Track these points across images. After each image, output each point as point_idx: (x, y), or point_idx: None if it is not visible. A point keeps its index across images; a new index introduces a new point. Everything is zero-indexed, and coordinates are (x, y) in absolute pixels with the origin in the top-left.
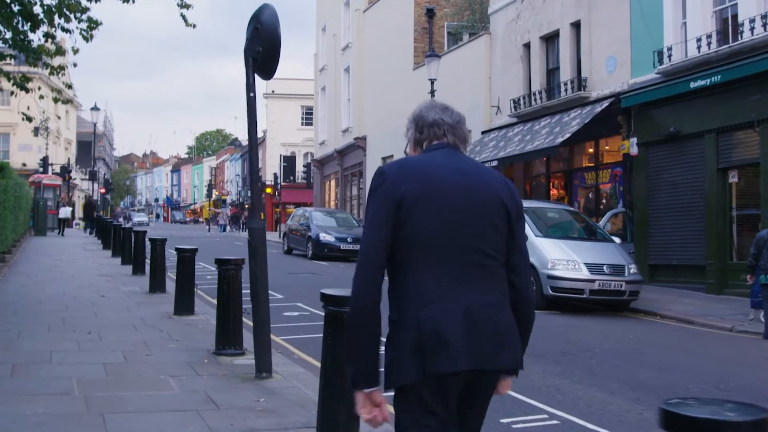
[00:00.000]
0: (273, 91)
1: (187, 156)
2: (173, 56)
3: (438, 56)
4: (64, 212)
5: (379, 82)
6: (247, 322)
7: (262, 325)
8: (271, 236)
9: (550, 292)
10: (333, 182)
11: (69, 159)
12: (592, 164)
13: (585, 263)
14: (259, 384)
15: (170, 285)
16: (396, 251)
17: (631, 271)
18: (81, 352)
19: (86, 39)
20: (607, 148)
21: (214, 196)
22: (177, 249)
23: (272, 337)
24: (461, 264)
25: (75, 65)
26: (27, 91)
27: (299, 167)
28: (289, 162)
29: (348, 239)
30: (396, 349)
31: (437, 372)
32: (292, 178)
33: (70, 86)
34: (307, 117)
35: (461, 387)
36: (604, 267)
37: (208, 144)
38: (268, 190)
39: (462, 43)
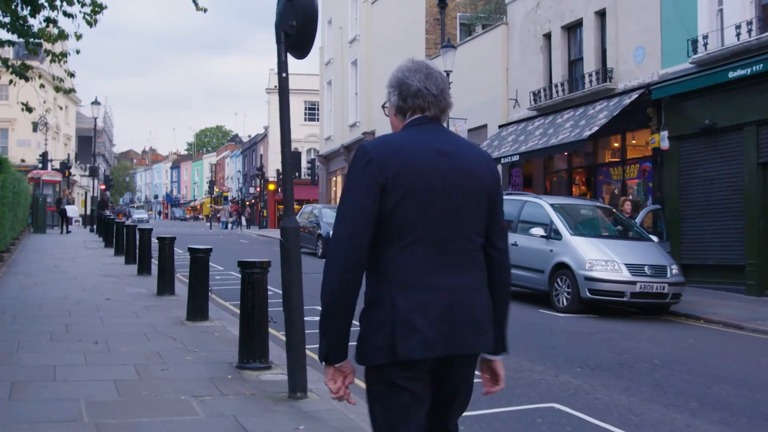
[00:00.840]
0: (275, 87)
1: (186, 152)
2: (170, 53)
3: (453, 47)
4: (72, 210)
5: (389, 75)
6: (271, 331)
7: (296, 338)
8: (274, 233)
9: (588, 294)
10: (339, 178)
11: (69, 155)
12: (618, 159)
13: (625, 264)
14: (294, 406)
15: (179, 287)
16: (377, 231)
17: (673, 272)
18: (88, 366)
19: (90, 24)
20: (633, 142)
21: (215, 192)
22: (190, 249)
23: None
24: (440, 248)
25: (78, 52)
26: (27, 79)
27: (303, 163)
28: (293, 158)
29: None
30: (369, 327)
31: (407, 358)
32: (297, 174)
33: (72, 75)
34: (310, 113)
35: (437, 367)
36: (646, 268)
37: (208, 140)
38: (271, 187)
39: (477, 34)
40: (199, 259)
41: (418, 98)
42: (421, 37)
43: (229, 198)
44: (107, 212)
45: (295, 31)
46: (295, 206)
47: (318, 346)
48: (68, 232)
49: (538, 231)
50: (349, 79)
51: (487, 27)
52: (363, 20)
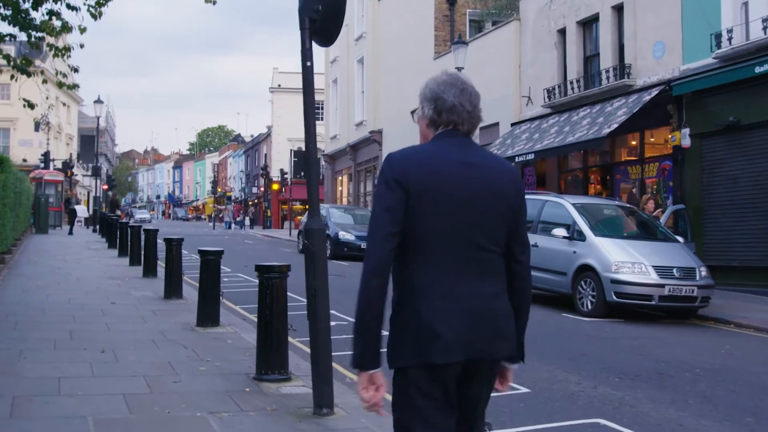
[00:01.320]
0: (279, 85)
1: (188, 152)
2: (171, 53)
3: (465, 43)
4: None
5: (396, 73)
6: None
7: (322, 349)
8: (279, 233)
9: (614, 298)
10: (345, 178)
11: (71, 154)
12: (635, 158)
13: (653, 266)
14: (321, 424)
15: (186, 289)
16: (402, 239)
17: (702, 274)
18: (95, 378)
19: (95, 16)
20: (652, 140)
21: (218, 192)
22: (201, 251)
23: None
24: (462, 256)
25: (82, 46)
26: (29, 75)
27: None
28: (299, 157)
29: None
30: (397, 331)
31: (431, 362)
32: (302, 173)
33: (76, 70)
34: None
35: (460, 373)
36: (674, 270)
37: (210, 140)
38: (275, 187)
39: (488, 30)
40: (210, 262)
41: (453, 114)
42: (429, 35)
43: (232, 198)
44: (118, 212)
45: (321, 17)
46: (297, 206)
47: (350, 353)
48: (71, 233)
49: (560, 232)
50: (356, 78)
51: (498, 24)
52: (369, 17)
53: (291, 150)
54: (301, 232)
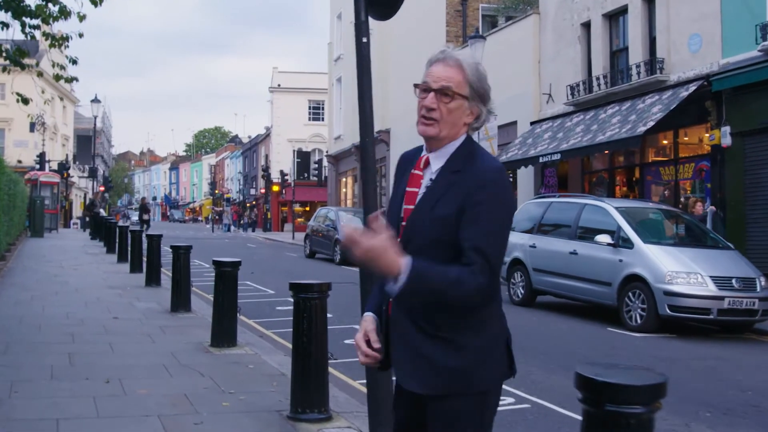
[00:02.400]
0: (279, 85)
1: (185, 154)
2: (167, 54)
3: (483, 37)
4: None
5: (405, 70)
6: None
7: (383, 390)
8: (280, 236)
9: (668, 311)
10: (350, 179)
11: (67, 155)
12: (667, 158)
13: (710, 276)
14: None
15: (195, 301)
16: None
17: (763, 284)
18: (100, 419)
19: (95, 3)
20: (686, 139)
21: (216, 194)
22: (215, 262)
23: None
24: None
25: (81, 35)
26: (23, 67)
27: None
28: (303, 158)
29: None
30: (486, 347)
31: (513, 375)
32: (306, 174)
33: (74, 61)
34: (314, 112)
35: None
36: (733, 281)
37: (207, 141)
38: (275, 188)
39: (506, 25)
40: (226, 274)
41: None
42: (441, 30)
43: (231, 199)
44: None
45: None
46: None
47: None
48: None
49: (604, 238)
50: None
51: (514, 18)
52: None
53: (293, 151)
54: (308, 235)
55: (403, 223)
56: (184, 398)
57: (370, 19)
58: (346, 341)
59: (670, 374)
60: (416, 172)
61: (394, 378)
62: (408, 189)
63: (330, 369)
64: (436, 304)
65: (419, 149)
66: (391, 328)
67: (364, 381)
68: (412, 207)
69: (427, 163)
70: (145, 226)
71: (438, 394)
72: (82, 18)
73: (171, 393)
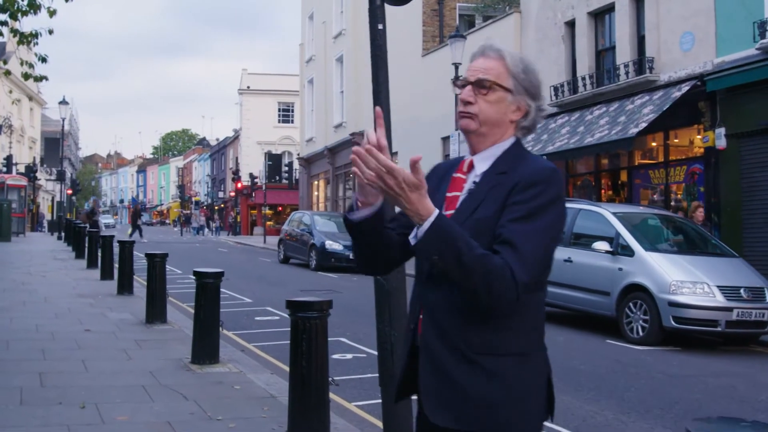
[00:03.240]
0: (248, 87)
1: (152, 156)
2: (130, 56)
3: (464, 37)
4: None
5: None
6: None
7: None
8: (251, 240)
9: (673, 323)
10: (322, 182)
11: (34, 158)
12: (654, 160)
13: (718, 286)
14: None
15: (170, 311)
16: None
17: None
18: None
19: None
20: (676, 141)
21: (186, 197)
22: (196, 273)
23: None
24: None
25: (51, 32)
26: None
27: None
28: (274, 160)
29: None
30: (528, 382)
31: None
32: (278, 177)
33: (44, 59)
34: (284, 114)
35: None
36: (741, 291)
37: (174, 144)
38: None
39: (485, 24)
40: (208, 286)
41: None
42: (417, 30)
43: (199, 203)
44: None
45: None
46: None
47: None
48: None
49: (602, 245)
50: (334, 77)
51: (490, 18)
52: (349, 14)
53: (264, 153)
54: (282, 240)
55: None
56: (168, 427)
57: (342, 20)
58: (334, 356)
59: (688, 394)
60: (459, 175)
61: (414, 411)
62: (449, 194)
63: (337, 398)
64: (463, 299)
65: (459, 160)
66: (420, 351)
67: (362, 403)
68: (450, 212)
69: (471, 167)
70: (137, 232)
71: (471, 430)
72: (52, 13)
73: (153, 420)
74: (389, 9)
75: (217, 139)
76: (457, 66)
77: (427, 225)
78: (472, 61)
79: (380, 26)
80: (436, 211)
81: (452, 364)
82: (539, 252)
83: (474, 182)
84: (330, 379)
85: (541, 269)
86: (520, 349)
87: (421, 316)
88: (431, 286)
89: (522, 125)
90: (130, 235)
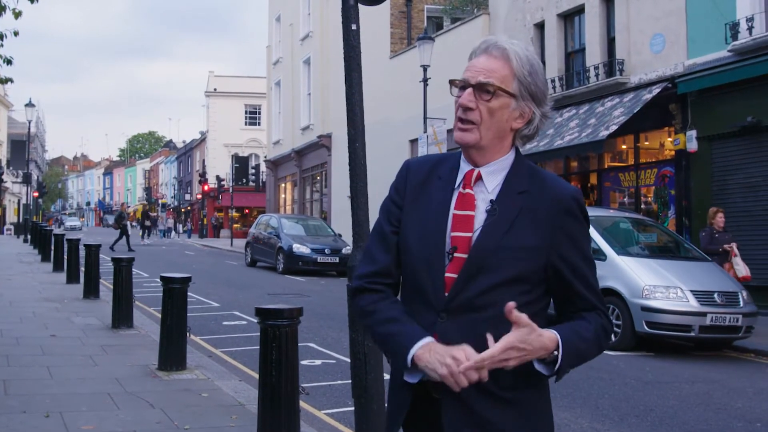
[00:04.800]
0: (215, 89)
1: (119, 159)
2: (96, 58)
3: (432, 39)
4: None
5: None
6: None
7: None
8: (218, 243)
9: (646, 329)
10: (289, 185)
11: (0, 160)
12: (626, 163)
13: (691, 291)
14: None
15: (136, 315)
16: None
17: (745, 299)
18: None
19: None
20: (646, 143)
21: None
22: (163, 278)
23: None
24: None
25: (16, 34)
26: None
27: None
28: (241, 163)
29: (326, 251)
30: (547, 404)
31: None
32: (244, 180)
33: (9, 61)
34: (251, 116)
35: None
36: (715, 295)
37: (141, 146)
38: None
39: (453, 26)
40: (175, 292)
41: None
42: (385, 32)
43: (168, 205)
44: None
45: None
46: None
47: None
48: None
49: None
50: (301, 79)
51: (458, 20)
52: (317, 15)
53: (231, 156)
54: (249, 243)
55: (459, 255)
56: None
57: (309, 22)
58: (303, 361)
59: (664, 402)
60: (467, 191)
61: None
62: (457, 212)
63: (308, 406)
64: None
65: (441, 158)
66: (442, 393)
67: (332, 411)
68: (467, 234)
69: (478, 180)
70: (146, 233)
71: None
72: (17, 15)
73: (119, 430)
74: (358, 7)
75: (184, 142)
76: (425, 68)
77: (560, 356)
78: (473, 59)
79: (354, 27)
80: (558, 338)
81: (480, 401)
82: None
83: (491, 201)
84: (300, 387)
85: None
86: (542, 378)
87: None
88: (454, 318)
89: (523, 133)
90: (142, 236)
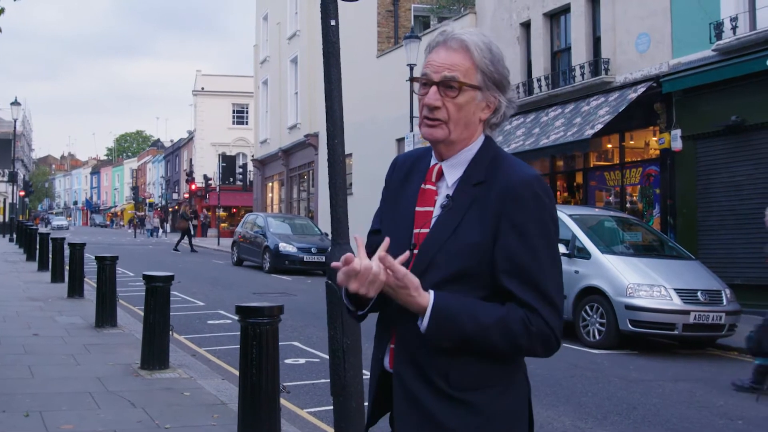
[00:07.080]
0: (202, 88)
1: (107, 158)
2: (80, 57)
3: (418, 38)
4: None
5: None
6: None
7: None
8: (205, 242)
9: (630, 327)
10: (276, 184)
11: None
12: (612, 162)
13: (675, 289)
14: None
15: (121, 314)
16: None
17: (728, 297)
18: None
19: None
20: (632, 142)
21: (140, 198)
22: (146, 276)
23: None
24: None
25: None
26: None
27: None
28: (228, 162)
29: (312, 249)
30: (516, 408)
31: None
32: (232, 179)
33: None
34: (239, 115)
35: None
36: (698, 294)
37: (128, 146)
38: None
39: (440, 25)
40: (158, 290)
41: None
42: (372, 31)
43: (153, 204)
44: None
45: None
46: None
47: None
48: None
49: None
50: (288, 78)
51: (445, 19)
52: (304, 14)
53: (218, 155)
54: (236, 243)
55: (416, 251)
56: None
57: (296, 21)
58: (286, 360)
59: (647, 400)
60: (428, 186)
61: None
62: (419, 209)
63: (290, 405)
64: (462, 354)
65: (422, 152)
66: (394, 385)
67: (314, 409)
68: (425, 231)
69: (440, 175)
70: (186, 237)
71: None
72: (0, 11)
73: (99, 429)
74: (343, 8)
75: (172, 141)
76: (411, 67)
77: (425, 324)
78: (431, 52)
79: (333, 22)
80: (431, 300)
81: (431, 400)
82: (559, 283)
83: (447, 196)
84: (281, 386)
85: (563, 300)
86: (505, 378)
87: (391, 345)
88: (406, 314)
89: (492, 122)
90: (178, 243)
